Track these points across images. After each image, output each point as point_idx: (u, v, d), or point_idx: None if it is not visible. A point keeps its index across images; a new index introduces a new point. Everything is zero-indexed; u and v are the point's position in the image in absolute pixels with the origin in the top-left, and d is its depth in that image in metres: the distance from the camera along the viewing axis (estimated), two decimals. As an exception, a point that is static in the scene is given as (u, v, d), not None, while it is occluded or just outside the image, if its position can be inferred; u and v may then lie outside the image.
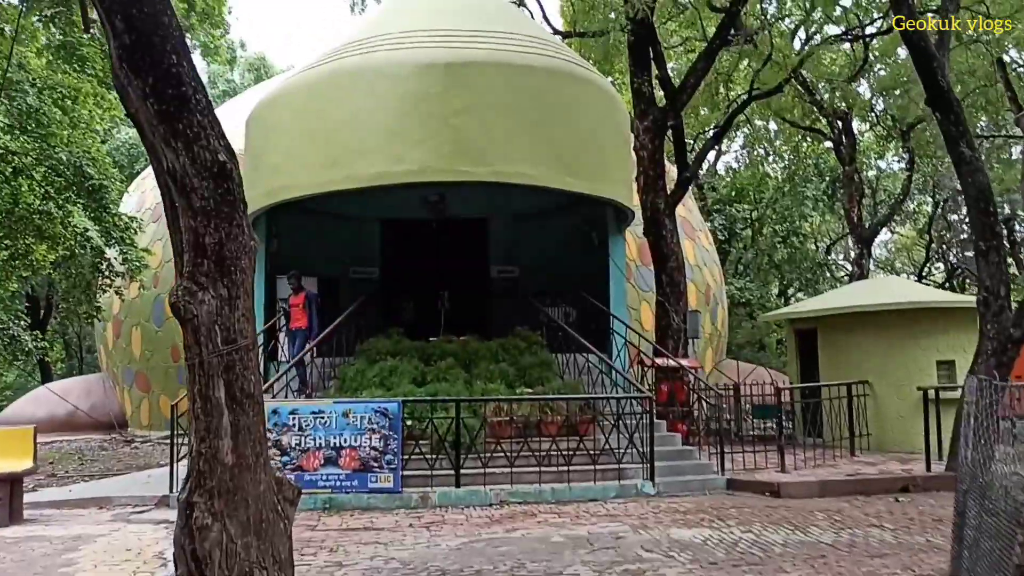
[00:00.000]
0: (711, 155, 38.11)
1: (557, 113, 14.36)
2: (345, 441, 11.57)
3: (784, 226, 34.43)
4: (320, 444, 11.55)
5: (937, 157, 29.31)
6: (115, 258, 19.29)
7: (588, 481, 12.06)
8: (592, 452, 12.20)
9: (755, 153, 38.27)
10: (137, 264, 18.24)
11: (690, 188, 26.93)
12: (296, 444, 11.54)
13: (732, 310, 31.33)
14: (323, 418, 11.59)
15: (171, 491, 11.96)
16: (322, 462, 11.52)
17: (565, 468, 12.02)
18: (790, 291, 38.62)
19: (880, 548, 8.52)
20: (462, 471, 11.78)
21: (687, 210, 25.20)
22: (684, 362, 15.29)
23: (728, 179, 37.32)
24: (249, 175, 16.15)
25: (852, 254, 39.97)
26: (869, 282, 22.60)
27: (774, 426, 16.87)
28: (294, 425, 11.56)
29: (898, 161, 37.38)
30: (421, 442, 12.01)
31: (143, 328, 22.59)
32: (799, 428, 15.95)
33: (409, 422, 12.24)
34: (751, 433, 16.68)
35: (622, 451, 12.28)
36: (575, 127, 14.56)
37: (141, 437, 23.16)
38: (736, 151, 39.61)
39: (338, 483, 11.51)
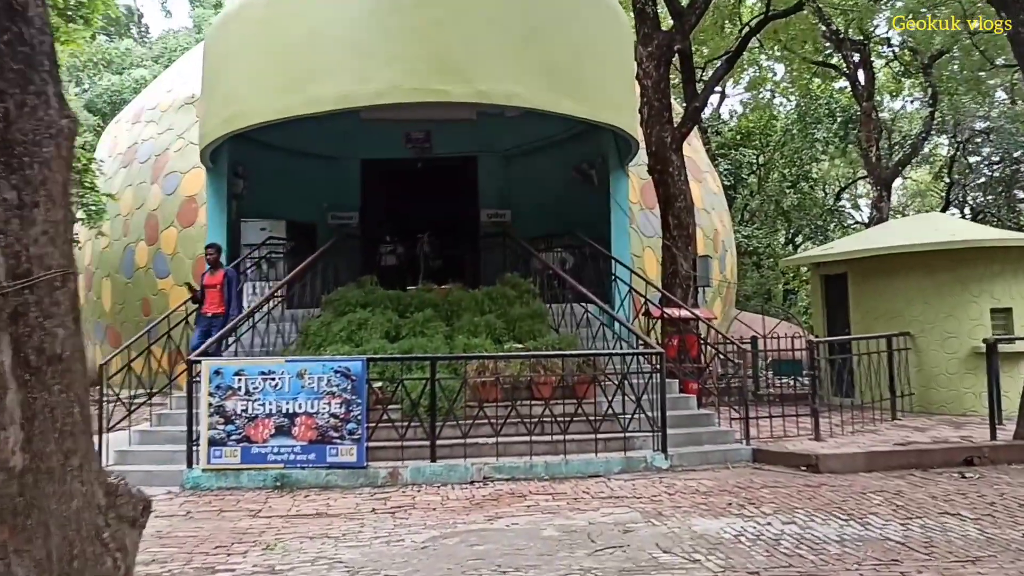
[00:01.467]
0: (714, 98, 35.81)
1: (550, 25, 12.15)
2: (300, 407, 9.52)
3: (793, 170, 32.11)
4: (270, 410, 9.50)
5: (959, 93, 26.97)
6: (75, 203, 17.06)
7: (588, 452, 10.04)
8: (593, 418, 10.16)
9: (761, 96, 35.97)
10: (94, 209, 16.05)
11: (695, 127, 24.83)
12: (242, 411, 9.49)
13: (738, 259, 29.23)
14: (274, 380, 9.53)
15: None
16: (273, 432, 9.49)
17: (561, 437, 10.00)
18: (798, 239, 36.40)
19: (966, 548, 6.47)
20: (438, 442, 9.75)
21: (693, 150, 22.93)
22: (699, 312, 13.19)
23: (733, 122, 34.90)
24: (205, 103, 14.08)
25: (869, 198, 37.77)
26: (908, 219, 20.25)
27: (796, 384, 14.86)
28: (240, 388, 9.50)
29: (912, 102, 35.06)
30: (390, 407, 9.98)
31: (113, 280, 20.45)
32: (827, 387, 13.86)
33: (379, 384, 10.22)
34: (768, 391, 14.69)
35: (628, 417, 10.25)
36: (571, 42, 12.32)
37: (111, 397, 21.19)
38: (740, 94, 37.19)
39: (291, 457, 9.48)
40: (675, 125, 16.24)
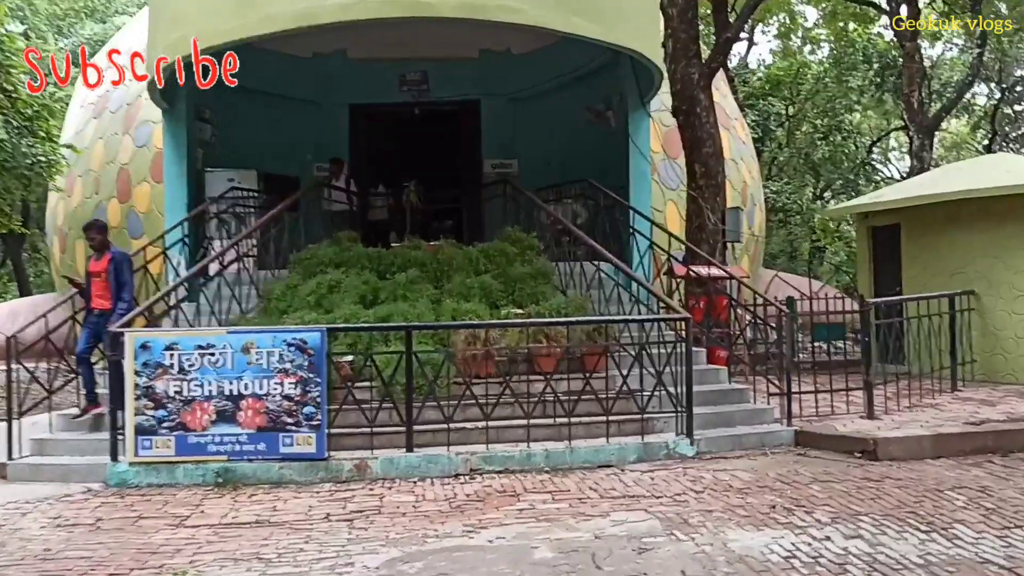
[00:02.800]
0: (740, 46, 33.63)
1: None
2: (246, 388, 7.82)
3: (825, 121, 29.90)
4: (210, 392, 7.80)
5: (1007, 33, 24.71)
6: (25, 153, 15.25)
7: (598, 438, 8.32)
8: (604, 396, 8.39)
9: (791, 42, 33.78)
10: (44, 161, 14.21)
11: (722, 70, 22.86)
12: (176, 392, 7.79)
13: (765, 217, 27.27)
14: (213, 355, 7.82)
15: (9, 456, 8.29)
16: (213, 418, 7.80)
17: (565, 420, 8.24)
18: (827, 195, 34.24)
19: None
20: (417, 427, 8.04)
21: (721, 95, 20.91)
22: (731, 270, 11.38)
23: (761, 71, 32.66)
24: (151, 29, 12.26)
25: (901, 151, 35.62)
26: (971, 161, 18.01)
27: (838, 349, 13.02)
28: (172, 365, 7.80)
29: (951, 48, 32.75)
30: (361, 386, 8.26)
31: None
32: (872, 353, 11.96)
33: (349, 358, 8.51)
34: (807, 358, 12.89)
35: (647, 394, 8.48)
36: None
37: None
38: (769, 41, 34.94)
39: (237, 447, 7.80)
40: (703, 60, 14.32)
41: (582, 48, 14.00)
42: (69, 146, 15.83)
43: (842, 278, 27.91)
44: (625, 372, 8.49)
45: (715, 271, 10.99)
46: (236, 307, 10.04)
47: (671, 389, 8.46)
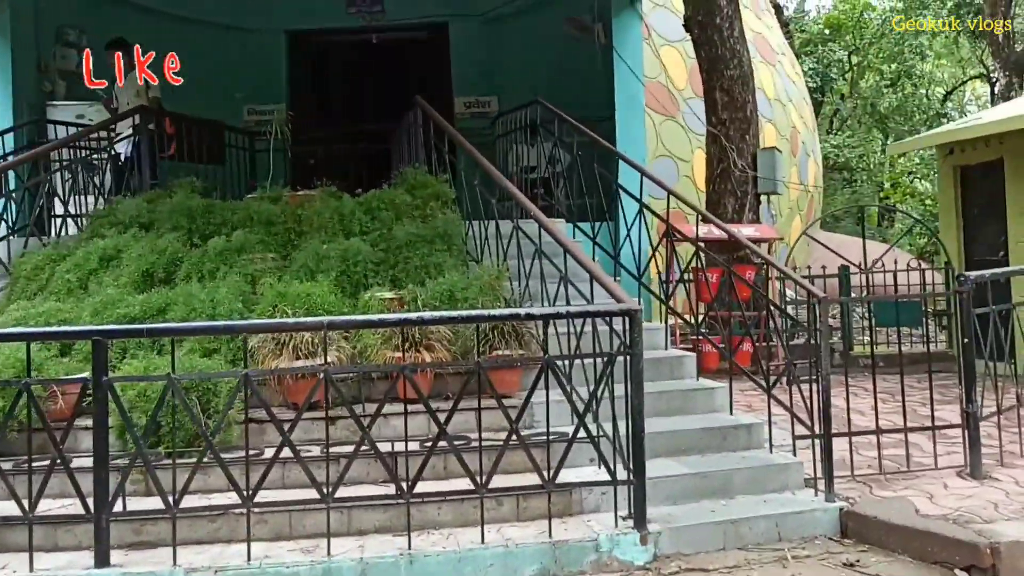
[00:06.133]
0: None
1: None
2: None
3: (894, 67, 24.99)
4: None
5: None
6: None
7: (470, 527, 4.27)
8: (479, 445, 4.28)
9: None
10: None
11: (767, 5, 18.56)
12: None
13: (826, 175, 22.62)
14: None
15: None
16: None
17: (400, 497, 4.18)
18: (896, 151, 29.15)
19: None
20: (116, 520, 4.09)
21: (765, 26, 16.49)
22: (750, 230, 7.15)
23: (820, 15, 27.84)
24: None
25: (979, 104, 30.38)
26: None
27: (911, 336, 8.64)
28: None
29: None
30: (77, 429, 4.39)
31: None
32: (958, 346, 7.51)
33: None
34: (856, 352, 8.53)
35: (562, 442, 4.39)
36: None
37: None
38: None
39: None
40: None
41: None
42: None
43: (916, 241, 23.21)
44: (520, 402, 4.41)
45: (714, 232, 6.70)
46: None
47: (610, 434, 4.37)
